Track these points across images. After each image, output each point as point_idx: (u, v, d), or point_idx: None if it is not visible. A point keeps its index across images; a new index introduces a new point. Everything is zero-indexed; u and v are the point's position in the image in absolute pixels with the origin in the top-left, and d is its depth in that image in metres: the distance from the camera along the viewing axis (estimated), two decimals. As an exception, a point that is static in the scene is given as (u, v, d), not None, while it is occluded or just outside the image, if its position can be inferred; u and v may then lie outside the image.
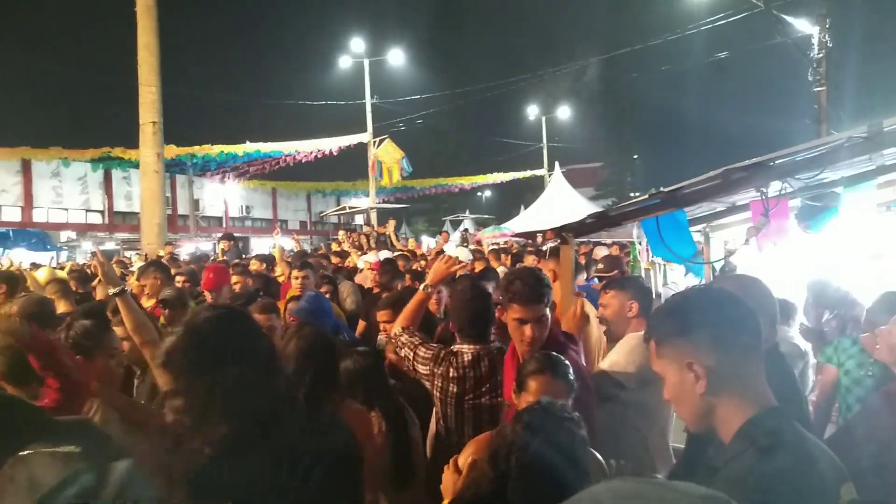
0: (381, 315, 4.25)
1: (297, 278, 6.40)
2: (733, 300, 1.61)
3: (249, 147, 23.00)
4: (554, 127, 42.12)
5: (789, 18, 12.61)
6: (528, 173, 36.94)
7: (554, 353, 2.68)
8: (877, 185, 4.81)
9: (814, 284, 5.42)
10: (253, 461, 1.63)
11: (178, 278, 6.20)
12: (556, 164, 25.19)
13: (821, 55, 12.25)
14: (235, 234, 15.92)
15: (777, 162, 3.29)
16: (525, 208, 25.29)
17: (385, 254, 10.05)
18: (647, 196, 3.77)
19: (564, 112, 42.88)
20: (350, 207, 28.12)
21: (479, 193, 49.49)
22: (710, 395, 1.52)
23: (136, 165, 18.59)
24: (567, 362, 2.48)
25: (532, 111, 42.14)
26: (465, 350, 3.07)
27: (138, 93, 15.32)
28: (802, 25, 12.59)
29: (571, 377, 2.42)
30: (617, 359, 3.21)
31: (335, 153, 24.95)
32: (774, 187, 4.15)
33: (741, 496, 1.31)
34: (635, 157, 52.29)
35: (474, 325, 3.10)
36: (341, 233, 16.80)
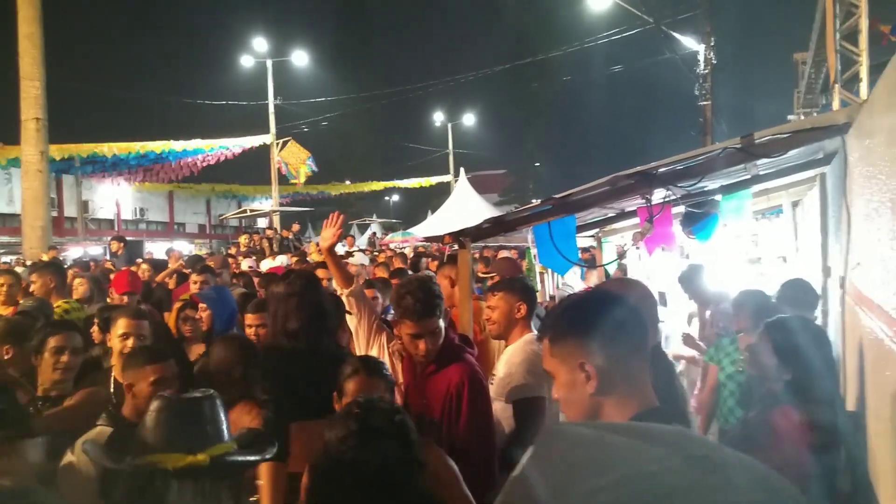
0: (248, 318, 4.17)
1: (195, 283, 6.16)
2: (621, 302, 1.65)
3: (145, 146, 21.91)
4: (460, 133, 42.69)
5: (677, 35, 13.35)
6: (434, 180, 37.19)
7: (368, 355, 2.89)
8: (752, 194, 5.16)
9: (685, 281, 5.68)
10: None
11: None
12: (462, 170, 25.50)
13: (706, 71, 13.02)
14: (129, 238, 15.09)
15: (660, 170, 3.45)
16: (432, 213, 25.46)
17: (283, 259, 9.81)
18: (539, 202, 3.86)
19: (470, 119, 43.50)
20: (251, 210, 27.34)
21: (386, 198, 49.36)
22: (598, 395, 1.54)
23: (17, 164, 17.30)
24: (382, 361, 2.55)
25: (438, 117, 42.50)
26: None
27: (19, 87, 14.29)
28: (690, 42, 13.35)
29: (387, 373, 2.45)
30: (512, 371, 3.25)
31: (237, 154, 24.19)
32: (660, 194, 4.36)
33: None
34: (537, 164, 53.70)
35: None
36: (243, 237, 16.29)
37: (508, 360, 3.31)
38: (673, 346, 5.83)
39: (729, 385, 4.39)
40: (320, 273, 5.49)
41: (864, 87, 6.88)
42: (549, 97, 50.13)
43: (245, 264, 9.87)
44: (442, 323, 2.84)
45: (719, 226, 4.97)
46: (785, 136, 3.02)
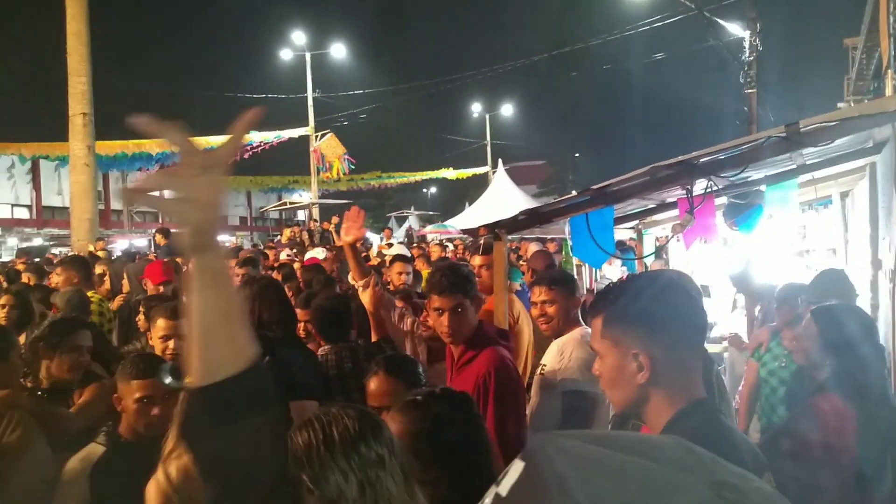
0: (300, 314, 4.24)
1: (237, 276, 6.27)
2: (685, 294, 1.60)
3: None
4: (498, 124, 42.51)
5: (721, 22, 13.01)
6: (471, 171, 37.09)
7: (396, 354, 3.08)
8: (799, 185, 5.00)
9: (738, 279, 5.58)
10: None
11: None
12: (500, 161, 25.39)
13: (751, 58, 12.67)
14: (173, 230, 15.39)
15: (701, 160, 3.36)
16: (469, 205, 25.39)
17: (319, 251, 9.92)
18: (576, 193, 3.80)
19: (508, 110, 43.30)
20: (291, 203, 27.67)
21: (424, 190, 49.50)
22: (648, 386, 1.51)
23: (66, 161, 17.83)
24: (410, 362, 2.56)
25: (476, 108, 42.37)
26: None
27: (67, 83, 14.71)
28: (734, 29, 13.00)
29: (412, 375, 2.41)
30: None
31: (275, 145, 24.48)
32: (701, 185, 4.25)
33: None
34: (577, 155, 53.15)
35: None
36: (287, 230, 16.51)
37: (561, 351, 3.27)
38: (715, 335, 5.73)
39: (771, 381, 4.27)
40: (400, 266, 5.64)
41: (918, 73, 6.60)
42: (589, 86, 49.61)
43: (284, 254, 10.01)
44: (469, 305, 2.89)
45: (763, 217, 4.83)
46: (832, 123, 2.90)
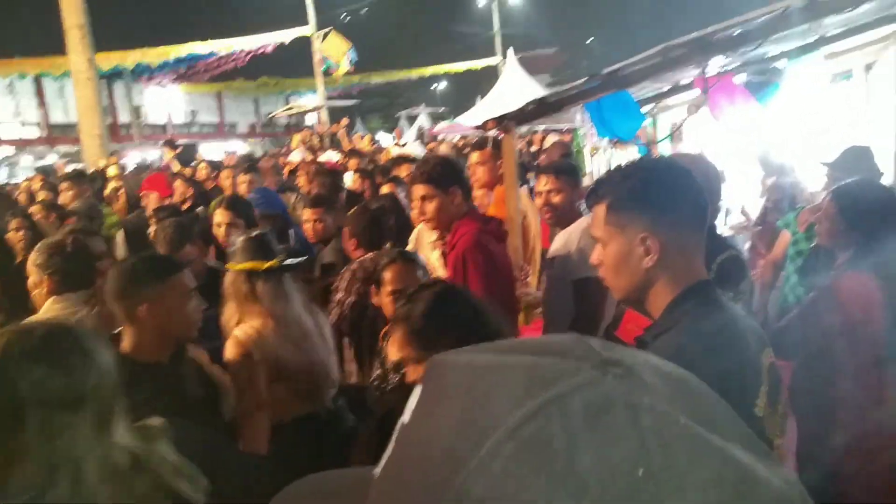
0: (306, 213, 4.27)
1: (242, 183, 6.24)
2: (687, 174, 1.57)
3: (187, 48, 21.73)
4: (506, 12, 40.64)
5: None
6: (481, 63, 35.92)
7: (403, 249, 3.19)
8: (824, 57, 4.77)
9: (763, 159, 5.48)
10: None
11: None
12: (510, 51, 24.47)
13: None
14: (182, 141, 15.25)
15: (716, 37, 3.20)
16: (481, 99, 24.74)
17: (332, 154, 9.82)
18: (586, 79, 3.67)
19: (519, -5, 41.33)
20: (299, 107, 27.17)
21: (433, 86, 48.26)
22: (655, 269, 1.50)
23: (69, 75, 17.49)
24: (415, 255, 2.88)
25: (484, -4, 40.49)
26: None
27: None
28: None
29: (420, 261, 2.81)
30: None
31: (276, 48, 23.76)
32: (718, 63, 4.09)
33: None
34: (591, 39, 51.13)
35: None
36: (296, 135, 16.31)
37: (567, 240, 3.26)
38: (732, 220, 5.68)
39: (797, 260, 4.23)
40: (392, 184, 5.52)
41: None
42: (602, -35, 46.96)
43: (296, 155, 9.91)
44: (441, 195, 2.99)
45: (780, 94, 4.66)
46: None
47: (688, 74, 4.37)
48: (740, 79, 4.64)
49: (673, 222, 1.51)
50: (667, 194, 1.52)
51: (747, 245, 5.54)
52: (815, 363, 2.73)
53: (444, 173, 3.01)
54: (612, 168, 1.70)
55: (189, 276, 2.42)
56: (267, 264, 2.70)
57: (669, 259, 1.50)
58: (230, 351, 2.56)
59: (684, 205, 1.53)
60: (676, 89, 5.21)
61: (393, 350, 1.79)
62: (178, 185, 6.34)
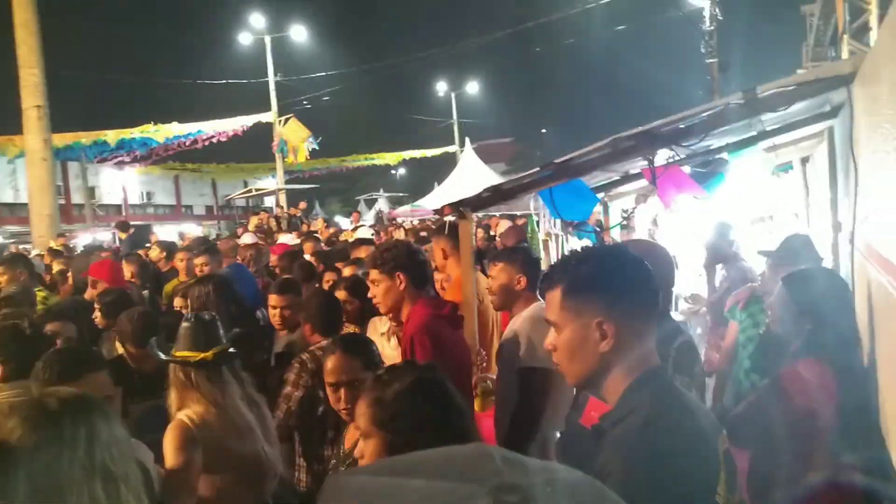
0: (273, 299, 4.16)
1: (198, 266, 6.13)
2: (639, 260, 1.61)
3: (144, 130, 21.80)
4: (465, 103, 42.24)
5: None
6: (439, 150, 36.92)
7: (354, 334, 3.21)
8: (764, 150, 5.04)
9: (708, 242, 5.63)
10: None
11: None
12: (467, 139, 25.28)
13: (712, 27, 12.73)
14: (136, 222, 15.06)
15: (661, 130, 3.36)
16: (439, 185, 25.28)
17: (289, 237, 9.80)
18: (539, 168, 3.79)
19: (474, 87, 43.05)
20: (257, 189, 27.27)
21: (393, 171, 49.18)
22: (610, 355, 1.51)
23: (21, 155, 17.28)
24: (365, 341, 2.78)
25: (442, 87, 42.08)
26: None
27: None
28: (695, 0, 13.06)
29: (367, 354, 2.63)
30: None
31: (239, 134, 24.06)
32: (665, 154, 4.26)
33: (629, 456, 1.38)
34: (544, 130, 53.29)
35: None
36: (254, 217, 16.26)
37: (513, 328, 3.27)
38: (683, 305, 5.78)
39: (748, 346, 4.29)
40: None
41: (874, 36, 6.69)
42: (554, 61, 49.69)
43: (246, 238, 9.82)
44: (386, 279, 3.03)
45: (725, 184, 4.88)
46: (788, 89, 2.92)
47: (636, 164, 4.54)
48: (686, 170, 4.84)
49: (628, 308, 1.53)
50: (621, 280, 1.55)
51: (698, 331, 5.63)
52: (772, 452, 2.72)
53: (389, 258, 3.04)
54: (566, 254, 1.73)
55: (105, 378, 2.44)
56: (200, 356, 2.68)
57: (625, 344, 1.51)
58: (169, 435, 2.52)
59: (638, 290, 1.56)
60: (626, 178, 5.40)
61: (358, 421, 1.77)
62: (127, 266, 6.21)
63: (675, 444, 1.40)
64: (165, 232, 19.65)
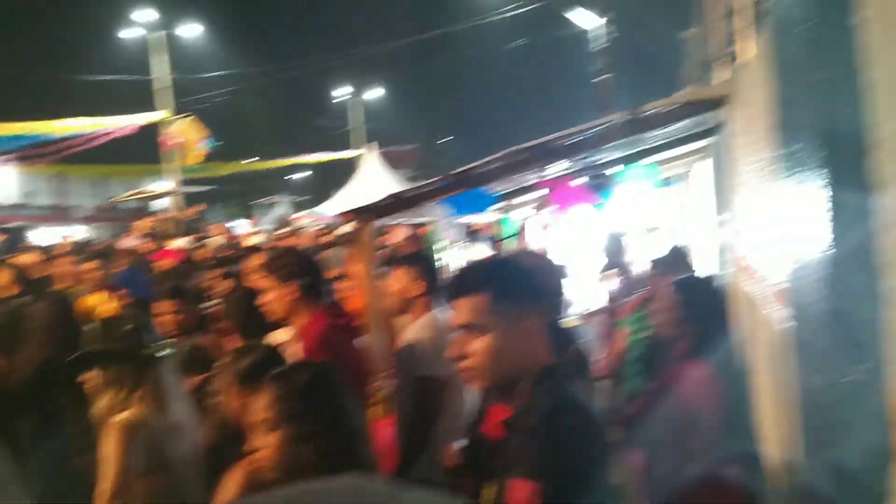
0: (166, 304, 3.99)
1: (87, 272, 5.83)
2: (543, 268, 1.91)
3: (25, 128, 20.26)
4: (370, 109, 42.01)
5: (575, 13, 13.58)
6: (343, 154, 36.47)
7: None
8: (651, 165, 5.32)
9: (610, 253, 5.88)
10: None
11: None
12: (372, 145, 25.14)
13: (604, 46, 13.33)
14: (14, 224, 14.00)
15: (555, 144, 3.48)
16: (342, 190, 24.95)
17: (183, 242, 9.41)
18: (440, 178, 3.83)
19: (380, 93, 42.92)
20: (150, 191, 25.95)
21: (294, 175, 48.21)
22: (526, 350, 1.66)
23: None
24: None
25: (347, 91, 41.69)
26: None
27: None
28: (588, 19, 13.62)
29: None
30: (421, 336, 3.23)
31: (132, 133, 22.80)
32: (557, 168, 4.43)
33: (537, 441, 1.53)
34: (449, 138, 53.89)
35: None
36: (142, 220, 15.49)
37: (411, 336, 3.28)
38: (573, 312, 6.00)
39: (635, 350, 4.49)
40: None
41: (746, 59, 7.18)
42: (459, 72, 50.31)
43: (130, 242, 9.35)
44: (277, 287, 2.96)
45: (615, 197, 5.11)
46: (670, 108, 3.10)
47: (532, 176, 4.68)
48: (579, 182, 5.04)
49: (538, 309, 1.72)
50: (534, 284, 1.76)
51: (590, 335, 5.86)
52: (664, 450, 2.87)
53: (282, 266, 2.99)
54: (478, 261, 1.92)
55: None
56: (148, 353, 2.76)
57: (537, 342, 1.69)
58: (108, 437, 2.52)
59: (543, 294, 1.78)
60: (522, 190, 5.55)
61: (258, 415, 1.83)
62: (3, 274, 5.76)
63: (577, 429, 1.56)
64: (48, 234, 18.36)
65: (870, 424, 0.86)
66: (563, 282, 2.94)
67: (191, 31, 26.31)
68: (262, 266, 3.04)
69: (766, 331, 2.42)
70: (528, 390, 1.65)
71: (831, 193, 0.94)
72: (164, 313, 4.07)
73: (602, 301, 5.60)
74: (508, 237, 6.07)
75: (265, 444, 1.79)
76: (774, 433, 2.38)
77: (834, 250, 0.96)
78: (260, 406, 1.83)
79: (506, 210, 6.75)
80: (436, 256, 5.02)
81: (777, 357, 2.19)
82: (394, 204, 3.92)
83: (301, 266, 3.02)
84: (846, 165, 0.92)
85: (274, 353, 2.53)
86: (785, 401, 2.02)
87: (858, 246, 0.91)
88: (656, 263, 4.53)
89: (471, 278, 1.77)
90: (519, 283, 1.74)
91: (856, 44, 0.90)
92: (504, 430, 1.71)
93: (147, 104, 24.28)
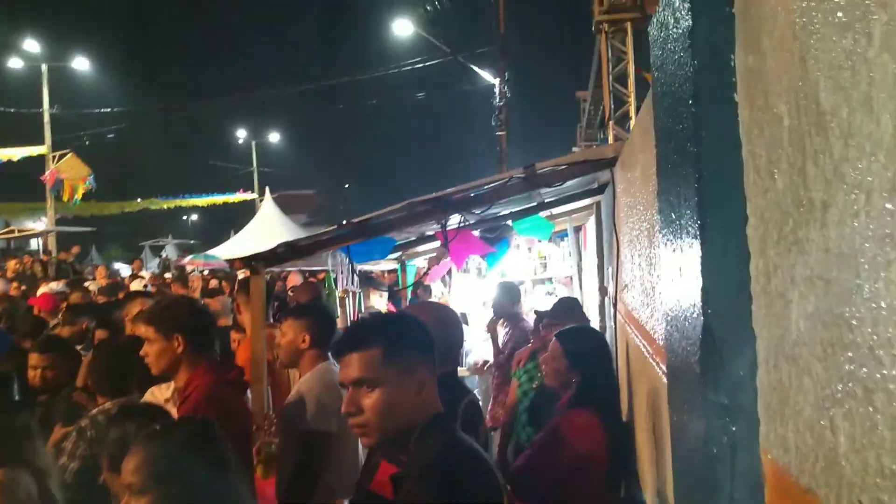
0: (34, 358, 3.69)
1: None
2: (434, 321, 1.99)
3: None
4: (266, 152, 41.42)
5: (476, 68, 14.12)
6: (236, 198, 35.51)
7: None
8: (543, 218, 5.53)
9: (497, 305, 5.99)
10: None
11: None
12: (267, 189, 24.64)
13: (501, 103, 13.89)
14: None
15: (454, 197, 3.55)
16: (235, 234, 24.20)
17: (57, 285, 8.77)
18: (336, 227, 3.80)
19: (276, 137, 42.46)
20: (21, 231, 24.12)
21: (184, 217, 46.38)
22: (418, 403, 1.68)
23: None
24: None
25: (242, 133, 40.95)
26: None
27: None
28: (487, 76, 14.17)
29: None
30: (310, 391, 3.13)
31: (2, 165, 21.25)
32: (456, 219, 4.51)
33: (427, 482, 1.56)
34: (346, 185, 53.83)
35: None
36: (11, 261, 14.34)
37: (298, 389, 3.19)
38: (472, 360, 6.06)
39: (524, 401, 4.58)
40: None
41: (632, 125, 7.73)
42: (359, 120, 50.74)
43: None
44: (160, 339, 2.80)
45: (510, 250, 5.25)
46: (562, 167, 3.25)
47: (431, 227, 4.73)
48: (476, 233, 5.16)
49: (428, 361, 1.75)
50: (426, 338, 1.79)
51: (482, 386, 5.92)
52: (552, 499, 2.90)
53: (168, 317, 2.81)
54: (366, 317, 1.92)
55: None
56: None
57: (427, 395, 1.71)
58: None
59: (437, 347, 1.80)
60: (422, 240, 5.60)
61: (128, 477, 1.75)
62: None
63: (467, 475, 1.59)
64: None
65: (741, 483, 0.91)
66: (461, 334, 2.95)
67: (79, 64, 25.08)
68: (144, 317, 2.85)
69: (647, 383, 2.54)
70: (415, 441, 1.66)
71: (706, 260, 1.01)
72: (36, 367, 3.76)
73: (491, 352, 5.67)
74: (409, 287, 6.08)
75: None
76: (651, 486, 2.49)
77: (709, 310, 1.02)
78: (128, 469, 1.74)
79: (404, 259, 6.78)
80: (331, 306, 4.93)
81: (654, 411, 2.30)
82: (288, 252, 3.84)
83: (188, 318, 2.85)
84: (722, 236, 0.99)
85: (155, 415, 2.35)
86: (660, 455, 2.11)
87: (731, 308, 0.98)
88: (545, 315, 4.67)
89: (362, 333, 1.75)
90: (410, 337, 1.77)
91: (735, 121, 0.99)
92: (393, 487, 1.69)
93: (33, 139, 22.79)
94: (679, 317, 1.24)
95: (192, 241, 34.45)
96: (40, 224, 24.51)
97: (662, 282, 1.74)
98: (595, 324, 5.29)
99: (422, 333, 1.80)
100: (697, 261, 1.04)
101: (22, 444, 2.52)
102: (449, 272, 7.03)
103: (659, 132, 1.34)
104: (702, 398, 1.01)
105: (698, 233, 1.03)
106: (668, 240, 1.34)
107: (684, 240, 1.14)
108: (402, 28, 15.13)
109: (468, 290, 7.53)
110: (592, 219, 5.97)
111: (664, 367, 2.12)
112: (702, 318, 1.03)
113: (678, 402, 1.33)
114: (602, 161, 3.35)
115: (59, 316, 5.98)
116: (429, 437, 1.66)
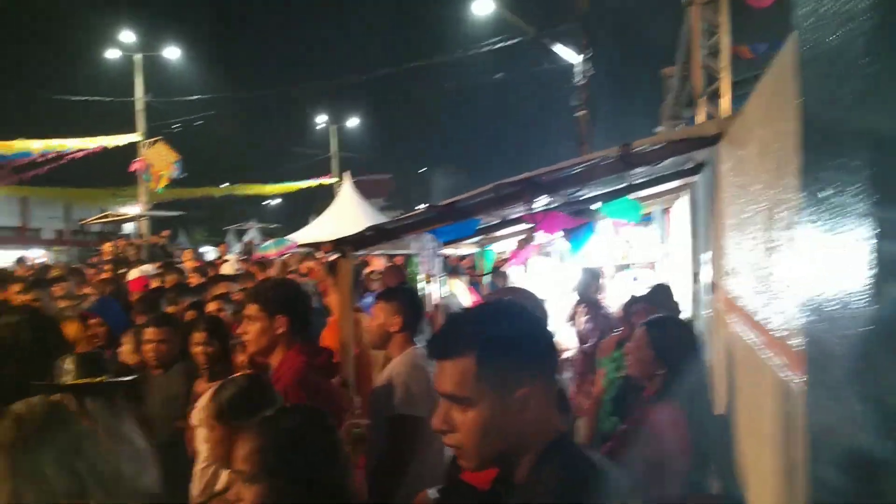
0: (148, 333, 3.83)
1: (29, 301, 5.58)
2: (536, 317, 1.50)
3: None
4: (345, 136, 42.12)
5: (557, 47, 13.79)
6: (315, 182, 36.29)
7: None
8: (631, 201, 5.32)
9: (582, 290, 5.86)
10: None
11: None
12: (347, 173, 25.03)
13: (584, 81, 13.52)
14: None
15: (543, 178, 3.43)
16: (315, 218, 24.73)
17: (148, 268, 9.16)
18: (422, 209, 3.76)
19: (355, 122, 43.09)
20: (116, 215, 25.45)
21: (266, 201, 47.86)
22: (528, 423, 1.35)
23: None
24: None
25: (322, 119, 41.77)
26: None
27: None
28: (568, 54, 13.83)
29: None
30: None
31: (97, 152, 22.37)
32: (542, 202, 4.38)
33: None
34: (423, 169, 54.20)
35: None
36: (107, 244, 15.14)
37: (388, 373, 3.17)
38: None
39: (610, 390, 4.45)
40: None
41: (724, 102, 7.32)
42: (435, 103, 50.81)
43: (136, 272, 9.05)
44: (263, 317, 2.80)
45: (594, 235, 5.08)
46: (661, 145, 3.07)
47: (515, 210, 4.63)
48: (561, 216, 5.01)
49: (538, 371, 1.39)
50: (531, 341, 1.41)
51: (567, 375, 5.79)
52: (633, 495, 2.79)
53: (273, 299, 2.84)
54: (460, 314, 1.54)
55: None
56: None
57: (542, 413, 1.37)
58: None
59: (544, 350, 1.43)
60: (503, 223, 5.50)
61: (239, 464, 1.73)
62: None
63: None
64: (8, 257, 17.77)
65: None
66: (547, 323, 2.85)
67: (170, 54, 26.14)
68: (251, 294, 2.88)
69: (753, 376, 2.36)
70: (532, 464, 1.37)
71: (882, 242, 0.87)
72: (152, 341, 3.88)
73: (573, 338, 5.53)
74: (487, 273, 6.00)
75: (242, 497, 1.69)
76: (757, 486, 2.31)
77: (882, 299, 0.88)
78: (240, 455, 1.72)
79: (485, 243, 6.69)
80: (417, 289, 4.92)
81: (762, 405, 2.12)
82: (375, 236, 3.83)
83: (293, 301, 2.88)
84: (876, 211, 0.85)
85: (260, 385, 2.38)
86: (772, 455, 1.95)
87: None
88: (635, 301, 4.50)
89: (453, 336, 1.42)
90: (513, 341, 1.38)
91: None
92: (493, 486, 1.48)
93: (126, 126, 23.97)
94: (829, 307, 1.10)
95: (273, 226, 35.47)
96: (133, 209, 25.78)
97: (796, 268, 1.58)
98: (686, 312, 5.06)
99: (528, 334, 1.42)
100: (867, 244, 0.91)
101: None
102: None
103: (808, 100, 1.19)
104: (863, 398, 0.88)
105: (871, 210, 0.90)
106: (814, 220, 1.19)
107: (846, 219, 1.00)
108: (482, 7, 14.96)
109: (548, 276, 7.37)
110: (681, 201, 5.71)
111: (781, 360, 1.96)
112: (870, 307, 0.90)
113: (823, 402, 1.19)
114: (704, 139, 3.14)
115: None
116: (546, 466, 1.36)
